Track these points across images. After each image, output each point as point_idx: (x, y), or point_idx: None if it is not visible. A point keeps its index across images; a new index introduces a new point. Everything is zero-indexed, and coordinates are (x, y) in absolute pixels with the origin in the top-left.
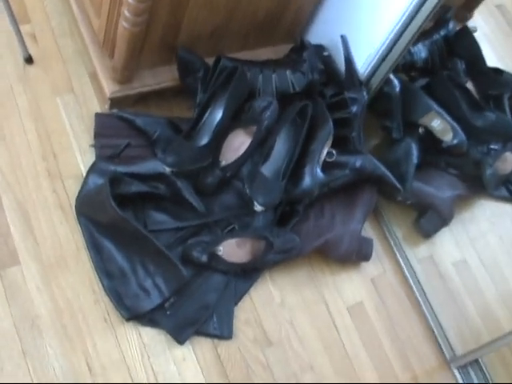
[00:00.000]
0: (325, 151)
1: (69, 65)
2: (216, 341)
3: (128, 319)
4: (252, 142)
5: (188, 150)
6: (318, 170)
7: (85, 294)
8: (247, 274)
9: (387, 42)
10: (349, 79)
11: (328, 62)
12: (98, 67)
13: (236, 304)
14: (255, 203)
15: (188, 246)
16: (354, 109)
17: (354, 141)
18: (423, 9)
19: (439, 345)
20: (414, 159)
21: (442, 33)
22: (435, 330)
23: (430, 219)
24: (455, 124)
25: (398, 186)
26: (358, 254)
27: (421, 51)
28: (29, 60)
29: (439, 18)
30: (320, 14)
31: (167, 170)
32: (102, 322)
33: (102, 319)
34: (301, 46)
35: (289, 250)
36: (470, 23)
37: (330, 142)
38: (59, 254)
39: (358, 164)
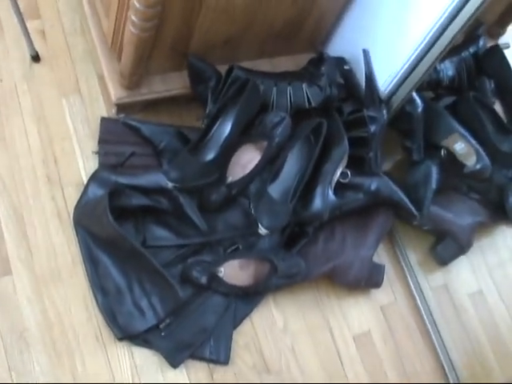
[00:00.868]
0: (338, 172)
1: (77, 65)
2: (212, 366)
3: (120, 339)
4: (261, 159)
5: (193, 166)
6: (330, 193)
7: (77, 308)
8: (249, 296)
9: (412, 58)
10: (369, 96)
11: (348, 77)
12: (105, 70)
13: (235, 327)
14: (259, 225)
15: (188, 266)
16: (373, 128)
17: (371, 162)
18: (452, 25)
19: (448, 381)
20: (434, 184)
21: (472, 50)
22: (445, 366)
23: (447, 246)
24: (479, 147)
25: (415, 212)
26: (367, 282)
27: (448, 69)
28: (35, 58)
29: (469, 34)
30: (342, 25)
31: (170, 185)
32: (94, 339)
33: (94, 337)
34: (319, 59)
35: (293, 275)
36: (503, 39)
37: (344, 162)
38: (53, 265)
39: (373, 187)
